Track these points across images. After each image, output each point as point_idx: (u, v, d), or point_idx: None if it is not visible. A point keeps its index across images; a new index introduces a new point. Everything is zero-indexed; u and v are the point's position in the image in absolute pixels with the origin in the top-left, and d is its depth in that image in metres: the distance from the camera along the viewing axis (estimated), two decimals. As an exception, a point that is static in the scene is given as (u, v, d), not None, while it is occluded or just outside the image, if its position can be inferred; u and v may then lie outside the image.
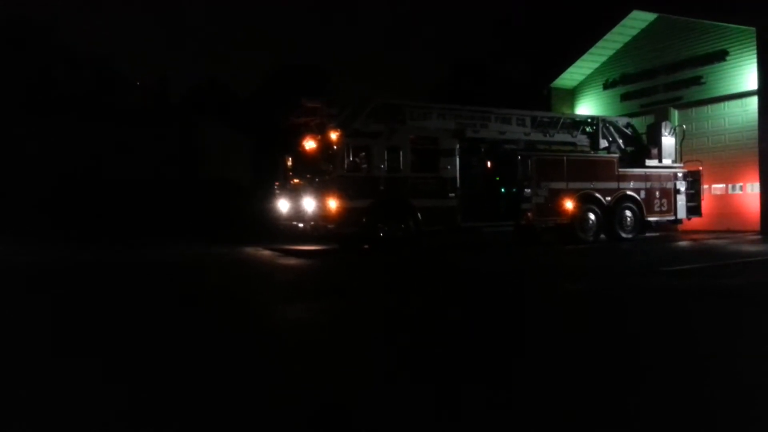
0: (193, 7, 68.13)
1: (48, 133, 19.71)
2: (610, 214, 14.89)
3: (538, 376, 3.84)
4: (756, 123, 16.66)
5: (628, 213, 15.16)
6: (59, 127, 19.95)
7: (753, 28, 16.67)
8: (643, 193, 15.35)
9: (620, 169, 15.17)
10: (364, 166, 12.62)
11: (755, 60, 16.60)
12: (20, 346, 4.82)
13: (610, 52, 21.18)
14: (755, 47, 16.62)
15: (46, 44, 23.22)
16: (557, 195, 14.40)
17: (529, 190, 14.16)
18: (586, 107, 21.93)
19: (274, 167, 14.92)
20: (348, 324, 5.71)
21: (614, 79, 21.10)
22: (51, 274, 10.04)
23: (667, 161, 15.89)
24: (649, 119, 18.05)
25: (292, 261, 12.00)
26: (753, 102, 16.89)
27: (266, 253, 13.12)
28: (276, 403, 3.40)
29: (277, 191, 14.21)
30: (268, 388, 3.68)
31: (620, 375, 3.85)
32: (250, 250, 13.55)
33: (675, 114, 19.03)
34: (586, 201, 14.69)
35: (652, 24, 19.86)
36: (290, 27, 67.38)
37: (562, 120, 15.67)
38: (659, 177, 15.69)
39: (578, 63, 21.72)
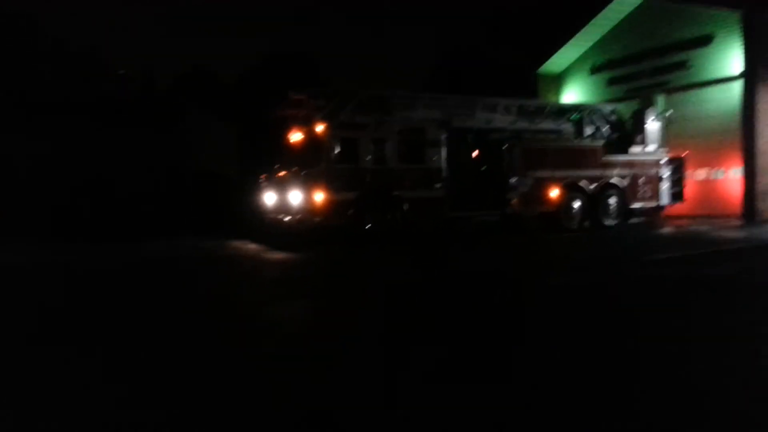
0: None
1: (32, 129, 19.45)
2: (595, 202, 15.01)
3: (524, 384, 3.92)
4: (739, 108, 16.77)
5: (612, 200, 15.26)
6: (43, 123, 19.70)
7: (737, 12, 16.70)
8: (627, 181, 15.45)
9: (604, 157, 15.25)
10: (351, 158, 12.63)
11: (740, 44, 16.66)
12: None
13: (597, 37, 21.12)
14: (740, 32, 16.67)
15: (31, 36, 22.84)
16: (543, 184, 14.48)
17: (514, 179, 14.24)
18: (573, 92, 21.94)
19: (260, 159, 14.87)
20: (330, 322, 5.78)
21: (601, 63, 21.09)
22: (27, 273, 10.04)
23: (651, 147, 15.98)
24: (636, 104, 18.10)
25: (278, 255, 12.03)
26: (737, 87, 16.95)
27: (253, 246, 13.13)
28: (255, 408, 3.46)
29: (263, 184, 14.19)
30: (249, 389, 3.74)
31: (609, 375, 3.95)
32: (238, 244, 13.55)
33: (661, 99, 19.08)
34: (570, 189, 14.78)
35: (639, 8, 19.80)
36: (278, 15, 66.59)
37: (547, 108, 15.71)
38: (643, 164, 15.79)
39: (565, 48, 21.66)
